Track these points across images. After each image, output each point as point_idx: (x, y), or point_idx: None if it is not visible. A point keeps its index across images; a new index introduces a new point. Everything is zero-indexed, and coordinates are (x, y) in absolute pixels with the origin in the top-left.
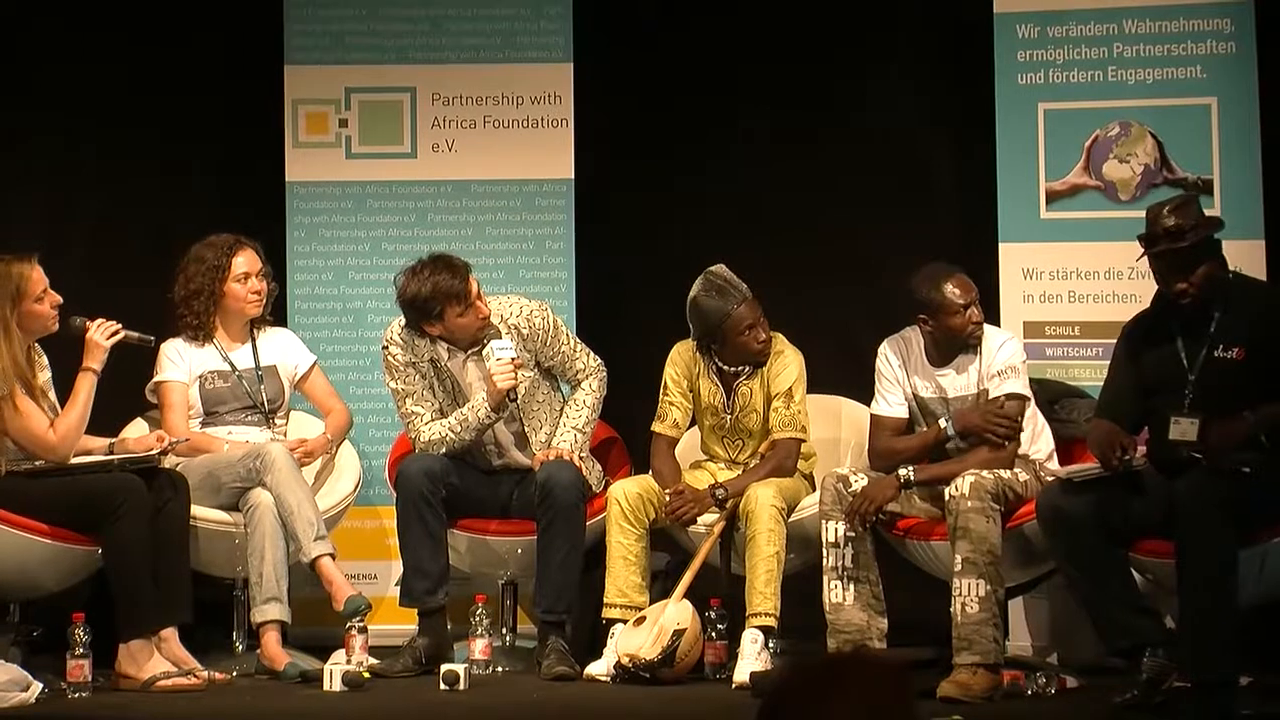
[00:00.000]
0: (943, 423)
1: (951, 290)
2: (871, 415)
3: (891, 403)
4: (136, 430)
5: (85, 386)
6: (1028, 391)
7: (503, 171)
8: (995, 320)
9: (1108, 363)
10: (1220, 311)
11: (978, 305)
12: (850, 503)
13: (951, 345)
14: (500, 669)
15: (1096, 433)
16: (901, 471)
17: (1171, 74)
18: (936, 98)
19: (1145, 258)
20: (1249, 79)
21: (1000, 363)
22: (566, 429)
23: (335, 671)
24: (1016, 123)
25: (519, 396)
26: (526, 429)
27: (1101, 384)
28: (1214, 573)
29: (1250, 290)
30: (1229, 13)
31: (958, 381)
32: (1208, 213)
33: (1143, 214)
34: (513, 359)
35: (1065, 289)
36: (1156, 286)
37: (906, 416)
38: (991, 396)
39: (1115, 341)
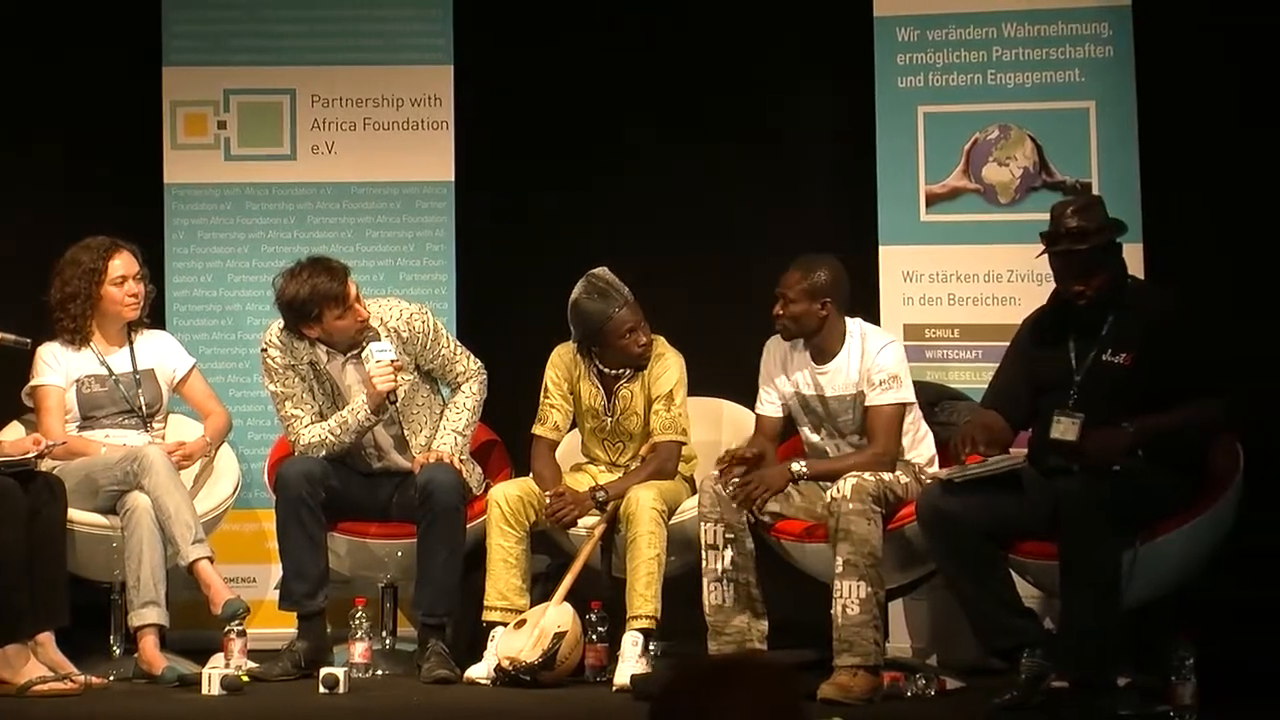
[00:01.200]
0: (795, 466)
1: None
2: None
3: (765, 401)
4: (13, 434)
5: None
6: (911, 398)
7: (383, 173)
8: (875, 323)
9: (987, 365)
10: (1114, 316)
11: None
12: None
13: (832, 341)
14: (380, 672)
15: (974, 419)
16: (794, 466)
17: (1050, 77)
18: (817, 100)
19: (1045, 255)
20: (1127, 82)
21: (881, 370)
22: (446, 432)
23: (214, 675)
24: (896, 126)
25: (398, 399)
26: (406, 432)
27: (983, 386)
28: (1096, 573)
29: (1147, 297)
30: (1107, 17)
31: (837, 381)
32: None
33: (1022, 217)
34: (392, 361)
35: (945, 292)
36: (1040, 288)
37: (781, 416)
38: (870, 405)
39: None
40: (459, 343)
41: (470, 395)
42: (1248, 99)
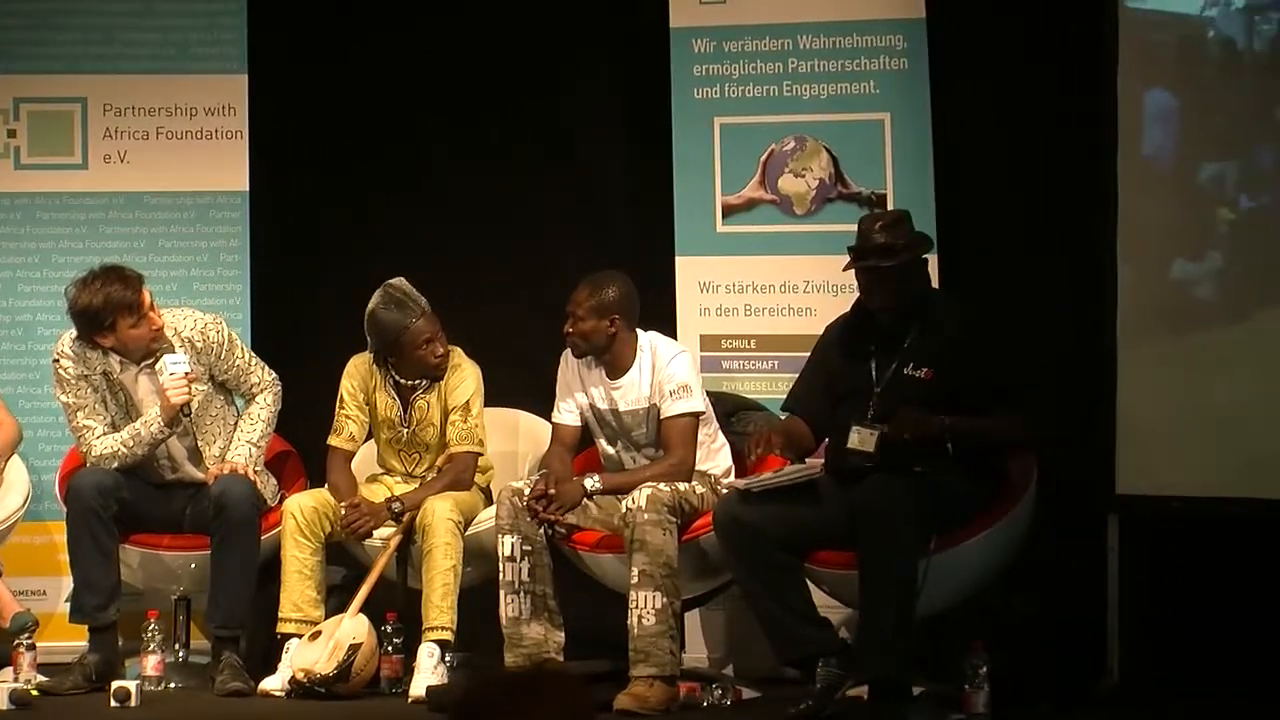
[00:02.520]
0: (588, 482)
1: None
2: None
3: (563, 410)
4: None
5: None
6: (702, 407)
7: (176, 183)
8: (672, 334)
9: (784, 376)
10: (916, 330)
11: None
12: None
13: (625, 357)
14: (173, 685)
15: (776, 423)
16: (587, 482)
17: (846, 89)
18: (614, 111)
19: (852, 269)
20: (921, 95)
21: (671, 380)
22: (241, 443)
23: (2, 689)
24: (692, 136)
25: (192, 411)
26: (200, 443)
27: (780, 397)
28: (893, 578)
29: (949, 313)
30: (902, 29)
31: (630, 394)
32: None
33: (818, 228)
34: (186, 373)
35: (742, 302)
36: (837, 299)
37: (577, 426)
38: (664, 416)
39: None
40: (254, 354)
41: (265, 406)
42: (1038, 111)
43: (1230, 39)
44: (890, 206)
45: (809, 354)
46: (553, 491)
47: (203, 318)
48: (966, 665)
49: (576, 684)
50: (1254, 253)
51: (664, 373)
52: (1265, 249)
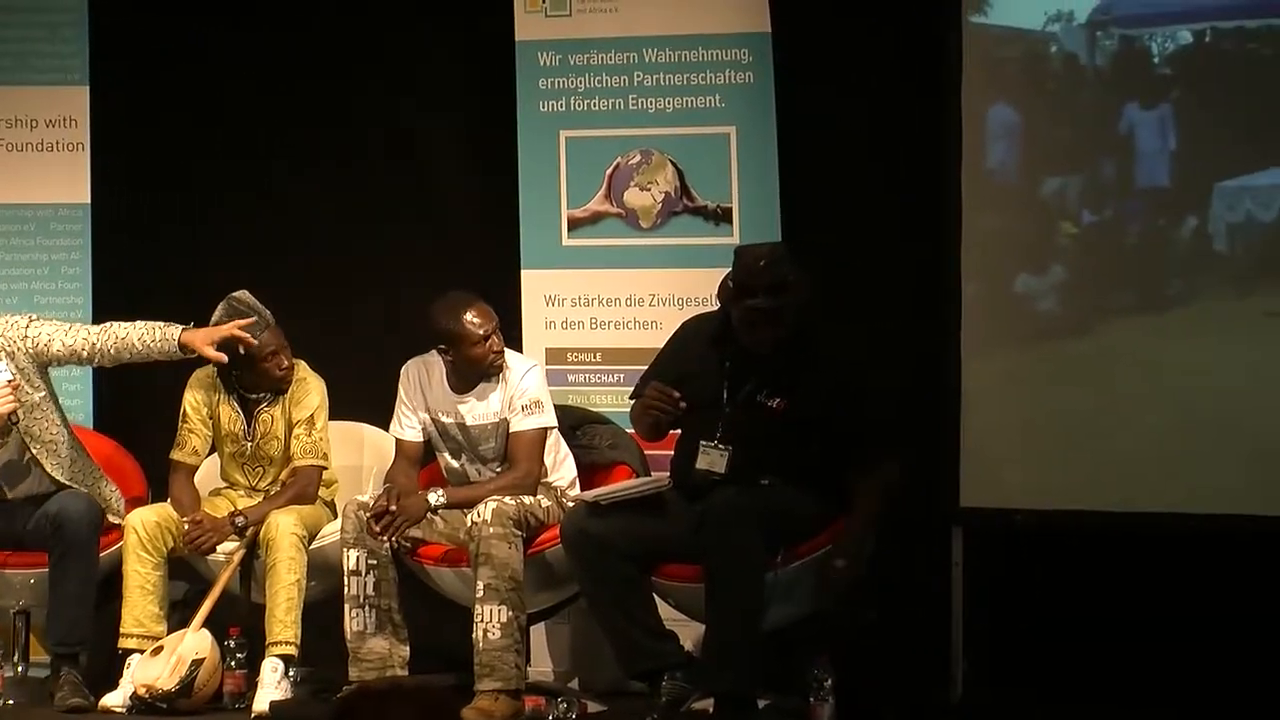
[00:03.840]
0: (432, 497)
1: (471, 320)
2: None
3: (405, 427)
4: None
5: None
6: (553, 422)
7: (16, 195)
8: (518, 347)
9: (630, 389)
10: (776, 358)
11: (498, 334)
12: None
13: (473, 374)
14: (11, 701)
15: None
16: (431, 497)
17: (691, 103)
18: (459, 124)
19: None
20: (767, 108)
21: (523, 395)
22: (79, 457)
23: None
24: (538, 150)
25: (19, 420)
26: (36, 454)
27: (626, 409)
28: (740, 589)
29: (808, 344)
30: (747, 43)
31: (479, 409)
32: (727, 241)
33: (663, 241)
34: (9, 381)
35: (587, 316)
36: (681, 312)
37: (421, 441)
38: (513, 431)
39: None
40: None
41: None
42: (882, 125)
43: (1073, 54)
44: (736, 220)
45: (663, 345)
46: (394, 508)
47: (18, 320)
48: (811, 678)
49: (436, 698)
50: (1096, 266)
51: (516, 387)
52: (1107, 263)
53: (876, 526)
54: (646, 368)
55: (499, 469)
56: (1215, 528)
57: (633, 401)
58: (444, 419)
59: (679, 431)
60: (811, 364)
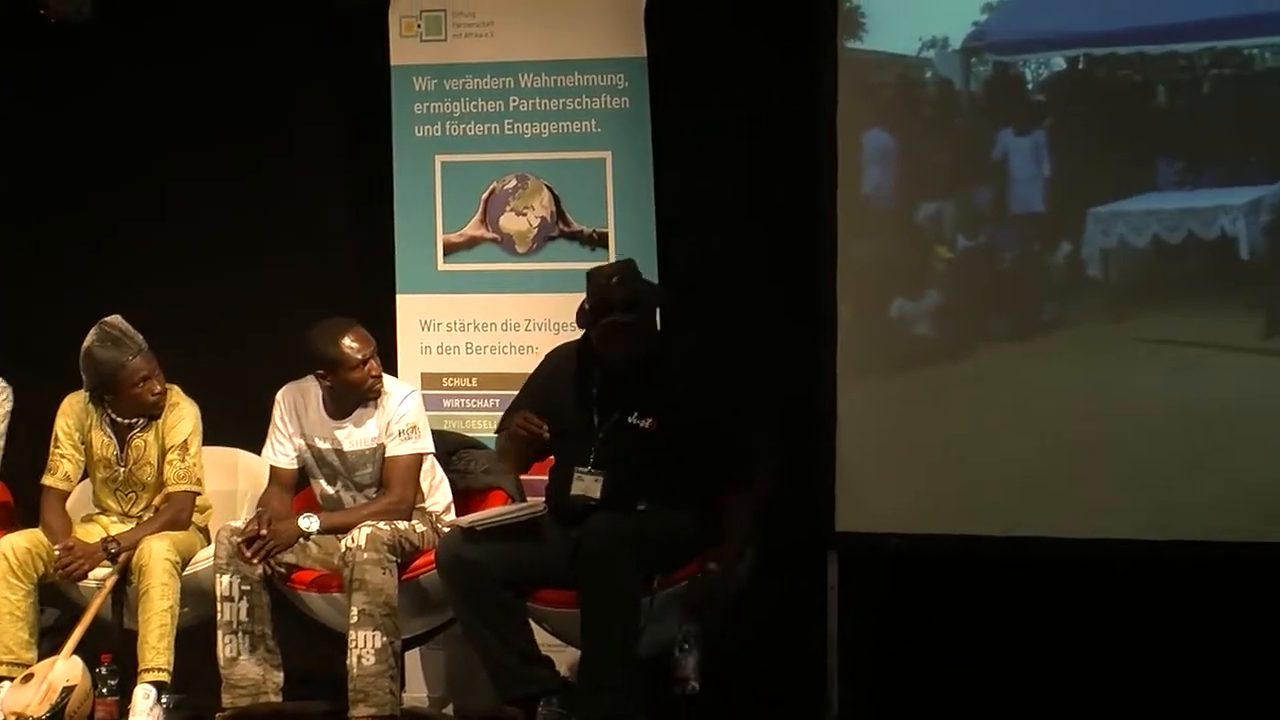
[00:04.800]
0: (305, 523)
1: (349, 345)
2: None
3: (279, 453)
4: None
5: None
6: (430, 448)
7: None
8: (393, 371)
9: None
10: (643, 378)
11: (377, 359)
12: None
13: (351, 399)
14: None
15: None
16: (304, 522)
17: (567, 127)
18: (334, 148)
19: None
20: (643, 133)
21: (401, 420)
22: None
23: None
24: (414, 174)
25: None
26: None
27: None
28: (614, 618)
29: (672, 363)
30: (623, 68)
31: (356, 435)
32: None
33: (539, 266)
34: None
35: (463, 340)
36: (557, 337)
37: (295, 468)
38: (389, 455)
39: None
40: None
41: None
42: (758, 150)
43: (947, 80)
44: (612, 244)
45: (527, 380)
46: (265, 532)
47: None
48: (678, 630)
49: None
50: (971, 291)
51: (394, 412)
52: (982, 287)
53: (750, 544)
54: (514, 398)
55: (375, 495)
56: (1090, 552)
57: (499, 434)
58: (320, 445)
59: (553, 458)
60: (676, 381)
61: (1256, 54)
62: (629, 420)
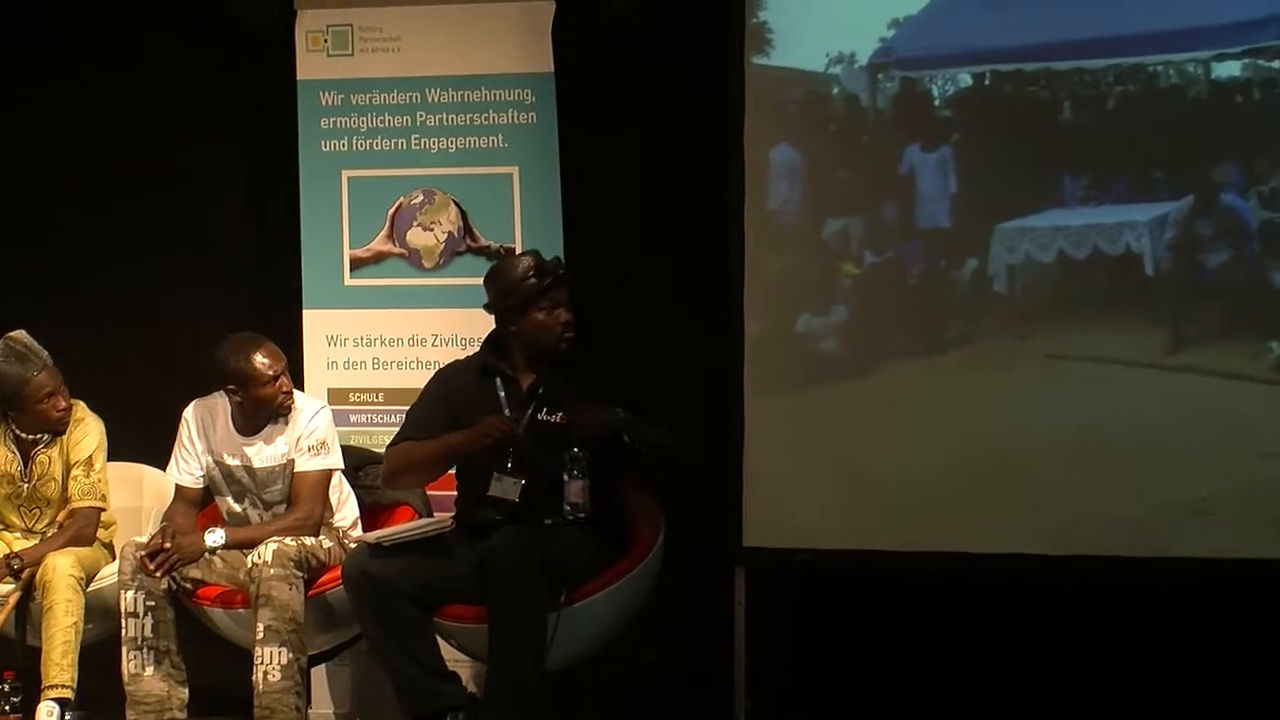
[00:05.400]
0: (211, 538)
1: (260, 360)
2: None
3: (183, 471)
4: None
5: None
6: (339, 464)
7: None
8: (300, 387)
9: None
10: (550, 376)
11: (287, 375)
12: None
13: (261, 415)
14: None
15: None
16: (209, 538)
17: (474, 143)
18: (240, 163)
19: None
20: (550, 148)
21: (311, 436)
22: None
23: None
24: (320, 189)
25: None
26: None
27: None
28: (521, 633)
29: (578, 368)
30: (530, 83)
31: (266, 451)
32: None
33: (446, 281)
34: None
35: (370, 356)
36: (464, 351)
37: (200, 486)
38: (297, 471)
39: (429, 381)
40: None
41: None
42: (666, 165)
43: (854, 96)
44: None
45: (421, 393)
46: (168, 545)
47: None
48: (568, 457)
49: None
50: (877, 307)
51: (304, 428)
52: (889, 303)
53: (640, 432)
54: (405, 419)
55: (283, 512)
56: (996, 567)
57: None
58: (230, 462)
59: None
60: (584, 376)
61: (1161, 71)
62: (539, 417)
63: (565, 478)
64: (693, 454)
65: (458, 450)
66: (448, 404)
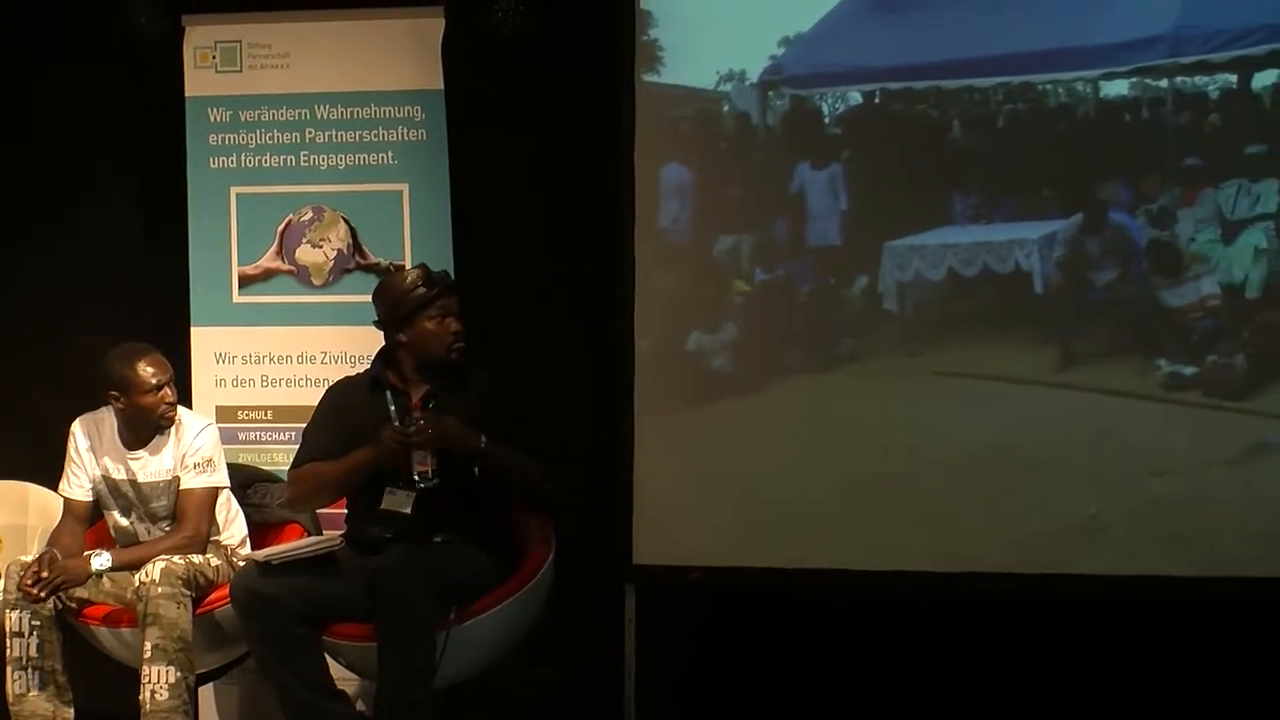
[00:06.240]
0: (97, 561)
1: (145, 368)
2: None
3: (74, 485)
4: None
5: None
6: (224, 482)
7: None
8: (188, 405)
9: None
10: (442, 388)
11: (172, 386)
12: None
13: (145, 426)
14: None
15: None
16: (96, 561)
17: (364, 160)
18: (128, 179)
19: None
20: (440, 165)
21: (196, 453)
22: None
23: None
24: (209, 206)
25: None
26: None
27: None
28: (410, 651)
29: (473, 372)
30: (420, 100)
31: (151, 465)
32: None
33: (335, 299)
34: None
35: (259, 373)
36: (354, 369)
37: (90, 500)
38: (183, 489)
39: (320, 400)
40: None
41: None
42: (557, 183)
43: (745, 113)
44: None
45: (314, 414)
46: (45, 575)
47: None
48: (408, 420)
49: None
50: (768, 324)
51: (190, 444)
52: (779, 321)
53: (494, 461)
54: (302, 441)
55: (169, 528)
56: (887, 584)
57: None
58: (115, 475)
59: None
60: (477, 390)
61: (1050, 89)
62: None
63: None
64: (552, 490)
65: (363, 467)
66: (341, 421)
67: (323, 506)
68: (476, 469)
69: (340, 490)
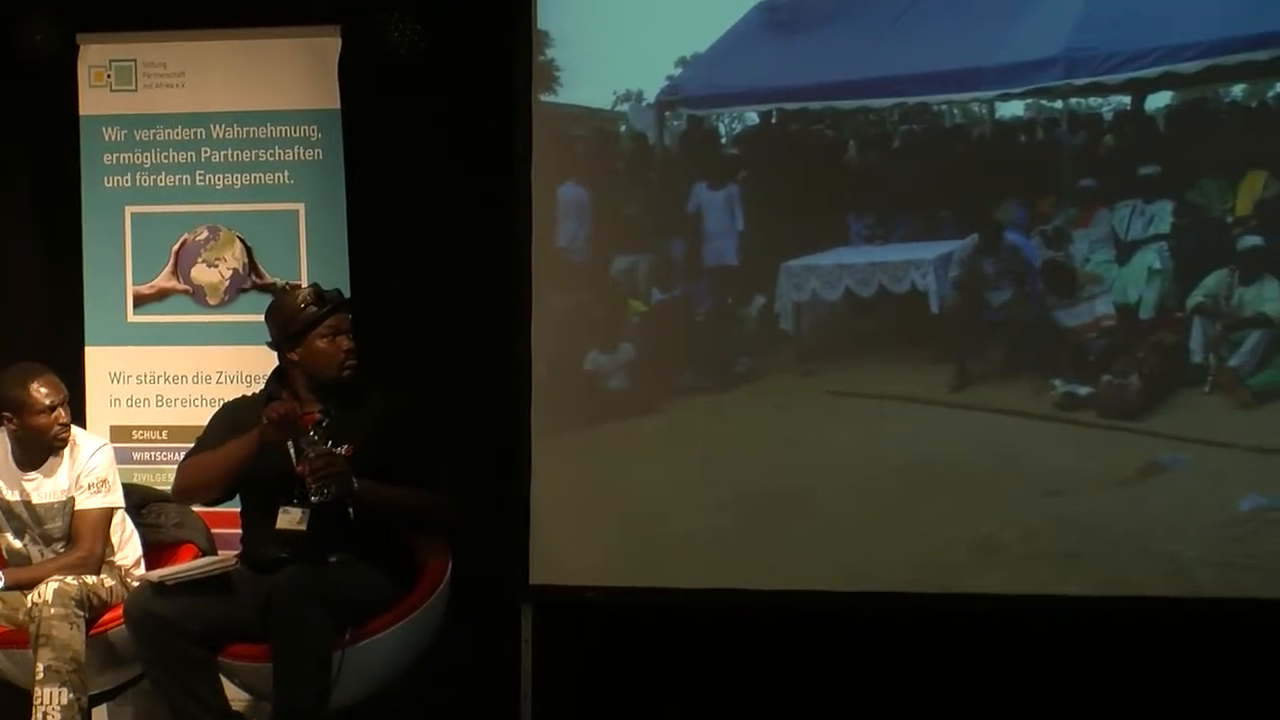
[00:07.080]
0: None
1: (38, 389)
2: None
3: None
4: None
5: None
6: (119, 502)
7: None
8: (82, 424)
9: None
10: (335, 407)
11: (66, 407)
12: None
13: (38, 447)
14: None
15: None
16: None
17: (260, 179)
18: (23, 198)
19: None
20: (337, 185)
21: (91, 474)
22: None
23: None
24: (103, 225)
25: None
26: None
27: None
28: (306, 671)
29: (367, 391)
30: (316, 119)
31: (45, 486)
32: None
33: (231, 318)
34: None
35: (154, 393)
36: (250, 389)
37: None
38: (78, 509)
39: (213, 416)
40: None
41: None
42: (454, 203)
43: (642, 134)
44: None
45: (206, 427)
46: None
47: None
48: (305, 441)
49: None
50: (665, 344)
51: (84, 465)
52: (676, 341)
53: (366, 504)
54: (193, 446)
55: (64, 549)
56: (783, 603)
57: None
58: (9, 496)
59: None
60: (371, 409)
61: (945, 110)
62: (326, 448)
63: (298, 461)
64: (441, 522)
65: (247, 448)
66: (235, 434)
67: (208, 498)
68: (350, 512)
69: (226, 480)
